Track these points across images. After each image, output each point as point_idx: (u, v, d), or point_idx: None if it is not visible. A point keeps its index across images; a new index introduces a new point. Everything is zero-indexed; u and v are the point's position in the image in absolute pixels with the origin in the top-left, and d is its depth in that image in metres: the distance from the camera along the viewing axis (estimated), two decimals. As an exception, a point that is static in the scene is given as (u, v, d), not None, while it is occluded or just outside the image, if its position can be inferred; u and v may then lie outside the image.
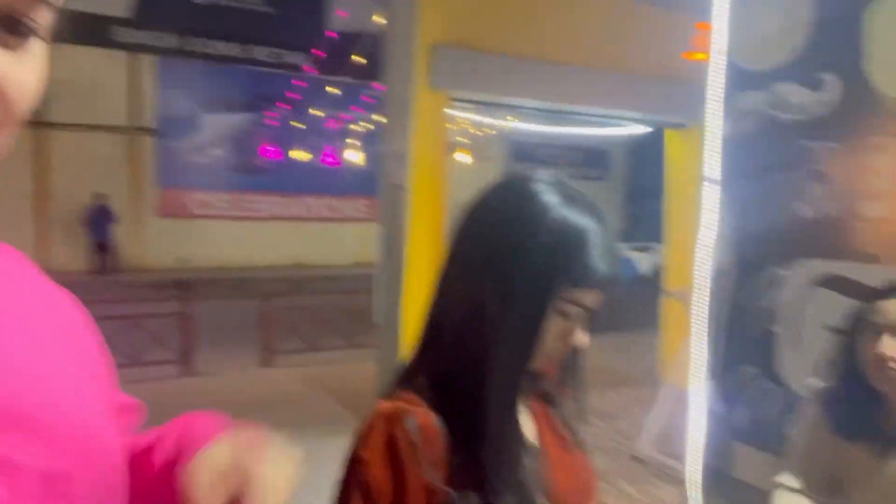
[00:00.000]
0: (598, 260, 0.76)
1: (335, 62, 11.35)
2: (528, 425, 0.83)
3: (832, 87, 1.86)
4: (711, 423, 2.18)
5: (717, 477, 2.18)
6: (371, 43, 9.18)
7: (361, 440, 0.75)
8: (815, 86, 1.89)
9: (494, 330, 0.76)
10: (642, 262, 12.74)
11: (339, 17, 9.55)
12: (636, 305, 9.27)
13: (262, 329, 6.54)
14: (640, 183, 13.78)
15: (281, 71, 13.60)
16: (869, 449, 1.43)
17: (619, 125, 7.86)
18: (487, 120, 11.21)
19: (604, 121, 6.97)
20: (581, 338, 0.80)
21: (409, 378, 0.81)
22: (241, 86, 14.12)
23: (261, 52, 13.49)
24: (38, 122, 11.86)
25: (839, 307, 1.79)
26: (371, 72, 9.42)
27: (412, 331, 0.98)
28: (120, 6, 9.34)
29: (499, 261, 0.77)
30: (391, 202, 5.34)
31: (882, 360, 1.34)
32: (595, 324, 0.82)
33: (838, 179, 1.83)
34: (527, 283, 0.75)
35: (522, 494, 0.75)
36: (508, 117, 10.56)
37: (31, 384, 0.43)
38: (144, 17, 9.55)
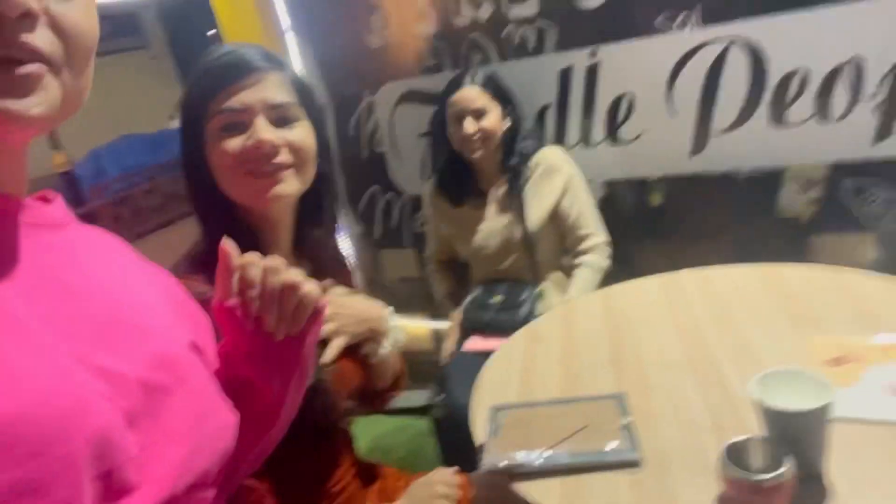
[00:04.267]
0: (213, 61, 0.87)
1: None
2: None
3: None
4: (358, 240, 2.53)
5: (371, 282, 2.57)
6: None
7: None
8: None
9: (188, 179, 0.89)
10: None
11: None
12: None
13: None
14: (189, 48, 12.91)
15: None
16: (472, 206, 1.93)
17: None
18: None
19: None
20: (251, 136, 0.85)
21: (191, 260, 0.87)
22: None
23: None
24: None
25: (422, 115, 2.19)
26: None
27: None
28: None
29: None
30: None
31: (468, 137, 1.78)
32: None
33: (388, 8, 2.14)
34: (183, 122, 0.88)
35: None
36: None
37: (137, 312, 0.54)
38: None
